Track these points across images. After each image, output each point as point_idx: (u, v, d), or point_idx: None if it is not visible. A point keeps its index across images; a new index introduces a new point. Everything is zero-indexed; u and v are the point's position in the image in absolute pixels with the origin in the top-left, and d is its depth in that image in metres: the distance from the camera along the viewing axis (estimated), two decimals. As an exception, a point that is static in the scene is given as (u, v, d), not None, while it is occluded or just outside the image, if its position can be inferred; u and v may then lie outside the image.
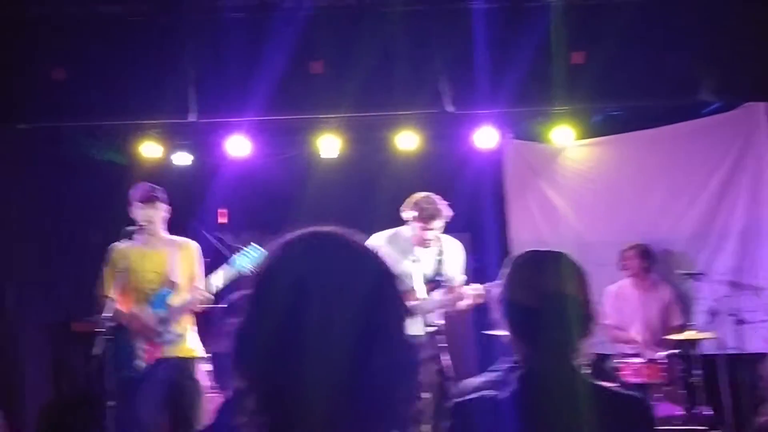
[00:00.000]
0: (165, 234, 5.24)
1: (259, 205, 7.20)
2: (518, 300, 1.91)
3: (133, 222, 5.31)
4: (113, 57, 5.58)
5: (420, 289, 4.84)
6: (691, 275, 6.23)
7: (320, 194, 7.09)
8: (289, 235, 1.19)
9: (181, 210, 6.81)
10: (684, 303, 6.47)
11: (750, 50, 5.48)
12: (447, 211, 4.97)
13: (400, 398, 1.10)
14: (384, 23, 5.53)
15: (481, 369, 6.80)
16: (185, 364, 5.00)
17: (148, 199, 5.14)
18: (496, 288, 4.79)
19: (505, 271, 1.98)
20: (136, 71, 5.59)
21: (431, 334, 4.93)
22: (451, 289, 4.96)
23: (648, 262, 6.41)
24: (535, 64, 5.43)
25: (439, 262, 5.02)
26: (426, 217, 4.87)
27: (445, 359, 4.95)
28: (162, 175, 7.13)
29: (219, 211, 7.20)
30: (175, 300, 5.06)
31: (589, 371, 5.64)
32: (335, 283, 1.09)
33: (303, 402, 1.05)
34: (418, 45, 5.59)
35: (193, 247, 5.27)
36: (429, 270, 4.94)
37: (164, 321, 5.00)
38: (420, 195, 5.01)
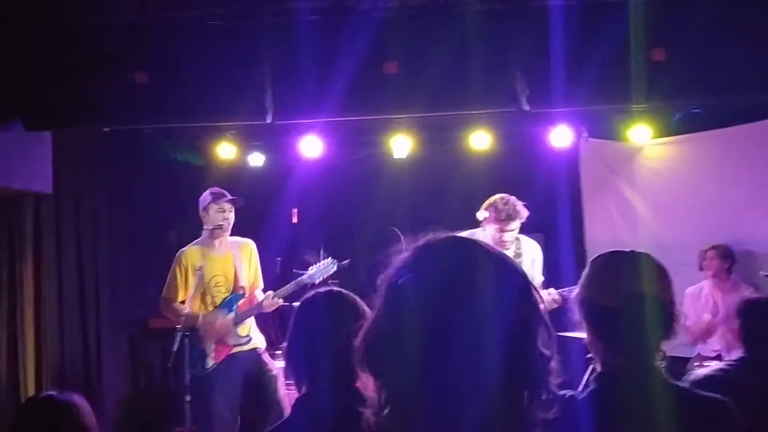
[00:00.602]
0: (229, 237, 5.34)
1: (331, 205, 7.28)
2: (598, 300, 1.88)
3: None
4: (192, 60, 5.71)
5: None
6: (775, 277, 6.04)
7: (392, 194, 7.12)
8: (429, 239, 1.19)
9: (255, 210, 6.95)
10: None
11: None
12: (524, 212, 4.94)
13: (524, 410, 1.08)
14: (459, 22, 5.49)
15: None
16: (257, 356, 5.13)
17: (222, 204, 5.29)
18: (571, 293, 4.73)
19: (585, 271, 1.95)
20: (214, 74, 5.71)
21: None
22: None
23: (728, 262, 6.25)
24: (613, 62, 5.31)
25: (519, 262, 4.99)
26: (503, 218, 4.87)
27: None
28: (237, 176, 7.30)
29: (292, 211, 7.30)
30: (244, 304, 5.18)
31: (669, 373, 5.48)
32: (477, 290, 1.09)
33: (427, 405, 1.04)
34: (494, 43, 5.54)
35: (252, 245, 5.45)
36: None
37: (234, 324, 5.13)
38: (497, 196, 5.02)
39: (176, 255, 5.39)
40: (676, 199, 6.78)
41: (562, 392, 1.88)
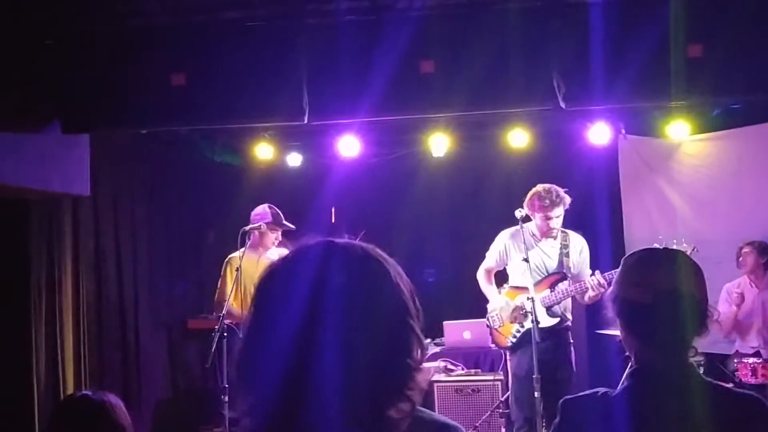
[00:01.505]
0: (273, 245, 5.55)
1: (369, 203, 7.31)
2: (632, 297, 1.89)
3: (247, 222, 5.53)
4: (230, 61, 5.76)
5: (530, 286, 4.82)
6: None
7: (430, 192, 7.14)
8: (301, 244, 1.20)
9: (293, 209, 7.01)
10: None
11: None
12: (566, 198, 5.03)
13: (386, 419, 1.08)
14: (496, 21, 5.48)
15: (592, 368, 6.68)
16: None
17: (276, 225, 5.54)
18: (614, 277, 4.75)
19: (619, 269, 1.97)
20: (251, 75, 5.75)
21: (560, 329, 4.94)
22: (575, 280, 4.98)
23: (765, 258, 6.21)
24: (651, 59, 5.27)
25: (566, 254, 5.03)
26: (547, 205, 4.95)
27: (572, 355, 4.97)
28: (275, 176, 7.36)
29: (330, 210, 7.34)
30: None
31: (704, 370, 5.48)
32: (344, 296, 1.08)
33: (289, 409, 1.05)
34: (531, 41, 5.52)
35: None
36: (553, 263, 4.95)
37: None
38: (538, 187, 5.10)
39: (226, 260, 5.44)
40: (714, 195, 6.73)
41: (596, 390, 1.92)
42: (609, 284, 4.57)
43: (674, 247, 4.99)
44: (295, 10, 5.61)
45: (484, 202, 6.09)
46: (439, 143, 6.77)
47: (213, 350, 5.08)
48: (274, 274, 1.17)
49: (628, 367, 1.96)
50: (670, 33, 5.25)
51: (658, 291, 1.86)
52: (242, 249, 5.49)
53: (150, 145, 6.79)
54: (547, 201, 4.95)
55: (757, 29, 5.33)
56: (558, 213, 4.97)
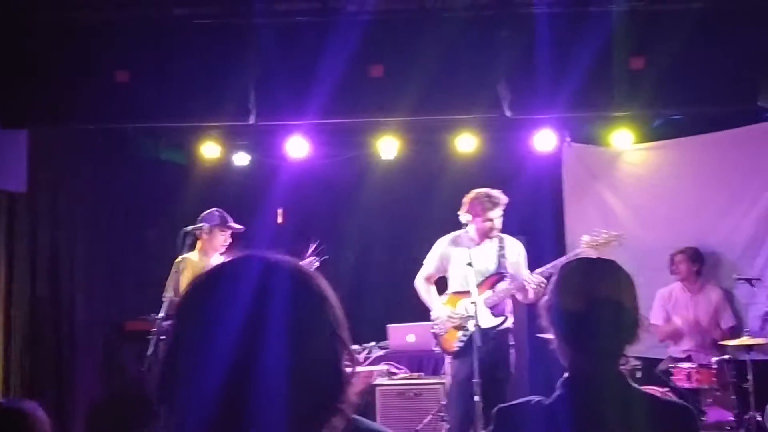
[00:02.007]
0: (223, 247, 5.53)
1: (317, 205, 7.28)
2: (566, 305, 1.93)
3: (190, 224, 5.45)
4: (176, 59, 5.68)
5: (474, 290, 4.89)
6: (747, 280, 6.18)
7: (378, 195, 7.15)
8: (228, 260, 1.19)
9: (239, 209, 6.93)
10: (737, 307, 6.43)
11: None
12: (503, 198, 5.16)
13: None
14: (445, 27, 5.54)
15: (532, 372, 6.78)
16: None
17: (228, 231, 5.50)
18: (555, 268, 4.86)
19: (553, 278, 2.01)
20: (199, 73, 5.68)
21: (502, 331, 5.01)
22: (513, 279, 5.08)
23: (696, 265, 6.40)
24: (595, 69, 5.40)
25: (502, 256, 5.12)
26: (487, 207, 5.10)
27: (511, 357, 5.06)
28: (221, 176, 7.26)
29: (277, 211, 7.29)
30: None
31: (639, 375, 5.61)
32: (268, 311, 1.08)
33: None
34: (479, 49, 5.60)
35: None
36: (492, 264, 5.03)
37: None
38: (474, 191, 5.20)
39: (177, 261, 5.37)
40: (654, 204, 6.89)
41: (529, 398, 1.95)
42: (547, 279, 4.79)
43: (602, 236, 5.16)
44: (245, 9, 5.56)
45: (432, 205, 6.14)
46: (388, 146, 6.79)
47: (150, 353, 5.01)
48: (200, 286, 1.15)
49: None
50: (613, 45, 5.39)
51: (591, 300, 1.90)
52: (185, 250, 5.41)
53: (92, 142, 6.62)
54: (488, 204, 5.09)
55: (698, 44, 5.51)
56: (498, 214, 5.11)
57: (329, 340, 1.13)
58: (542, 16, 5.38)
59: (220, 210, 5.58)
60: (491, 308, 5.06)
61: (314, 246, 5.60)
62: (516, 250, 5.26)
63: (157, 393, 1.12)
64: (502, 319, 5.05)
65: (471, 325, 4.97)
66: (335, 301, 1.17)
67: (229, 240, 5.55)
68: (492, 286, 5.07)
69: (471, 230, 5.23)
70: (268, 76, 5.59)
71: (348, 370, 1.14)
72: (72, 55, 5.69)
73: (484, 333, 4.82)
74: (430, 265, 5.35)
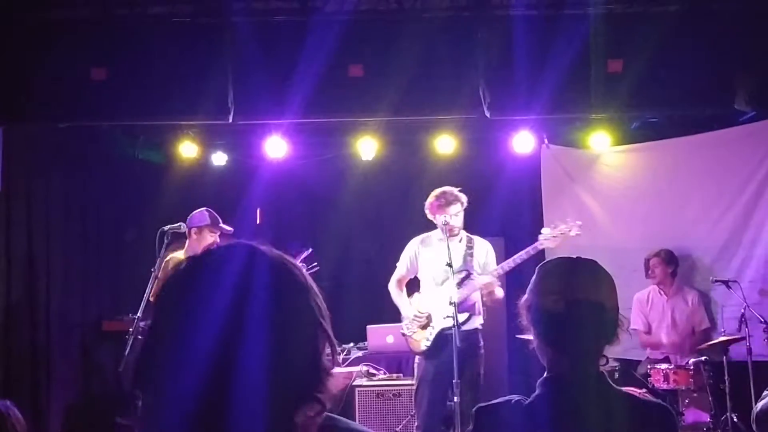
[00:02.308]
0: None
1: (296, 205, 7.26)
2: (546, 305, 1.92)
3: (169, 221, 5.41)
4: (154, 57, 5.64)
5: (451, 287, 4.90)
6: (724, 282, 6.22)
7: (357, 195, 7.13)
8: (209, 250, 1.19)
9: (217, 209, 6.88)
10: (713, 308, 6.49)
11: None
12: (462, 197, 5.17)
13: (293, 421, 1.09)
14: (424, 28, 5.54)
15: (511, 373, 6.78)
16: None
17: (217, 232, 5.46)
18: (509, 266, 4.86)
19: (533, 277, 2.00)
20: (177, 72, 5.65)
21: (471, 331, 5.01)
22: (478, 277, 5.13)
23: (671, 267, 6.43)
24: (573, 72, 5.43)
25: (470, 254, 5.14)
26: (443, 204, 5.11)
27: (480, 358, 5.05)
28: (199, 175, 7.22)
29: (256, 211, 7.26)
30: None
31: (617, 376, 5.66)
32: (250, 301, 1.08)
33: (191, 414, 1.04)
34: (458, 50, 5.61)
35: None
36: (458, 263, 5.04)
37: None
38: (433, 192, 5.24)
39: (166, 260, 5.33)
40: (632, 206, 6.93)
41: (510, 396, 1.94)
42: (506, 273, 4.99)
43: (560, 227, 5.21)
44: (223, 8, 5.53)
45: (411, 206, 6.11)
46: (367, 147, 6.78)
47: (127, 353, 4.99)
48: (181, 274, 1.15)
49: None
50: (590, 47, 5.42)
51: (571, 300, 1.89)
52: (163, 249, 5.36)
53: (68, 140, 6.54)
54: (443, 200, 5.12)
55: (675, 47, 5.55)
56: (455, 211, 5.12)
57: (310, 330, 1.12)
58: (519, 18, 5.41)
59: (210, 210, 5.54)
60: (458, 304, 5.05)
61: (305, 253, 5.59)
62: (484, 250, 5.28)
63: (134, 378, 1.11)
64: (467, 315, 5.04)
65: (437, 324, 5.00)
66: (317, 292, 1.17)
67: (218, 242, 5.53)
68: (458, 283, 5.07)
69: (439, 232, 5.25)
70: (247, 75, 5.56)
71: (328, 361, 1.14)
72: (48, 52, 5.63)
73: (449, 332, 4.80)
74: (401, 267, 5.36)
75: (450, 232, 5.07)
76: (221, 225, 5.53)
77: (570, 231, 5.23)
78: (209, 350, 1.04)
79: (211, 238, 5.47)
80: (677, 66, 5.60)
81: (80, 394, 6.88)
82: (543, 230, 5.33)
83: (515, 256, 5.09)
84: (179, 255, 5.38)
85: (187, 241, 5.48)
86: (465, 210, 5.19)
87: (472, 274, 5.12)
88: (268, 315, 1.07)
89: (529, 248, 5.14)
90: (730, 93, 5.67)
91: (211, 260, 1.15)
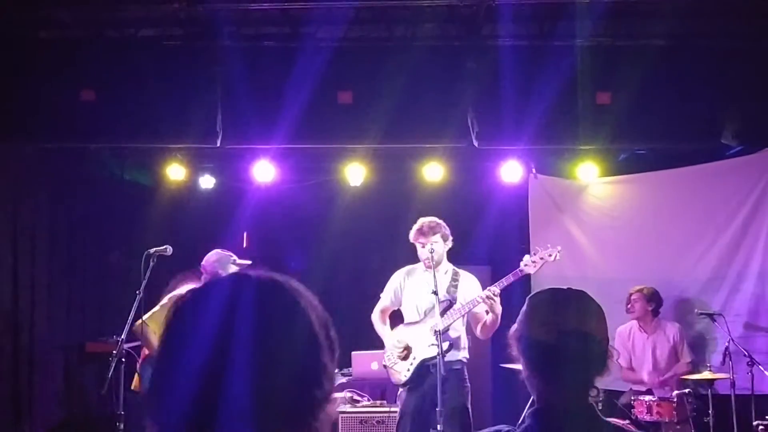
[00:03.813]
0: None
1: (283, 230, 7.22)
2: (536, 336, 1.90)
3: (155, 244, 5.38)
4: (143, 80, 5.66)
5: (438, 319, 4.81)
6: (709, 315, 6.23)
7: (345, 221, 7.12)
8: (218, 277, 1.20)
9: (204, 232, 6.86)
10: (698, 342, 6.48)
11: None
12: (444, 228, 5.06)
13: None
14: (414, 57, 5.58)
15: (495, 402, 6.70)
16: None
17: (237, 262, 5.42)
18: (506, 282, 4.71)
19: (523, 308, 1.99)
20: (166, 95, 5.67)
21: (454, 362, 4.91)
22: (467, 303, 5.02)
23: (652, 305, 6.37)
24: (560, 103, 5.48)
25: (454, 286, 5.08)
26: (424, 232, 5.02)
27: (466, 392, 4.97)
28: (186, 198, 7.20)
29: (244, 234, 7.23)
30: None
31: (601, 407, 5.59)
32: (249, 326, 1.08)
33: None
34: (447, 79, 5.65)
35: None
36: (442, 293, 4.96)
37: None
38: (420, 219, 5.15)
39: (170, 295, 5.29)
40: (618, 237, 6.94)
41: (499, 427, 1.93)
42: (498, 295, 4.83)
43: (540, 254, 5.15)
44: (213, 32, 5.56)
45: (398, 233, 6.08)
46: (355, 173, 6.78)
47: (110, 375, 4.95)
48: (184, 305, 1.15)
49: (528, 406, 1.97)
50: (577, 79, 5.47)
51: (562, 331, 1.88)
52: (148, 272, 5.33)
53: (55, 159, 6.53)
54: (420, 231, 5.04)
55: (662, 81, 5.61)
56: (433, 240, 5.00)
57: (308, 356, 1.11)
58: (508, 49, 5.46)
59: (226, 251, 5.49)
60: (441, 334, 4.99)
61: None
62: (468, 283, 5.15)
63: (145, 401, 1.13)
64: (447, 344, 4.95)
65: (419, 355, 4.94)
66: (320, 318, 1.15)
67: None
68: (441, 313, 4.99)
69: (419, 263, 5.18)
70: (236, 99, 5.58)
71: (324, 386, 1.12)
72: (37, 72, 5.64)
73: (431, 363, 4.75)
74: (385, 298, 5.26)
75: (426, 263, 4.97)
76: (244, 264, 5.46)
77: (550, 256, 5.18)
78: (198, 376, 1.05)
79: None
80: (664, 99, 5.66)
81: (63, 415, 6.80)
82: (525, 257, 5.28)
83: (497, 282, 5.02)
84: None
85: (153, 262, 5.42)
86: (451, 241, 5.10)
87: (454, 303, 5.06)
88: (251, 339, 1.07)
89: (509, 275, 5.07)
90: (717, 127, 5.73)
91: (202, 290, 1.17)
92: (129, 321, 5.15)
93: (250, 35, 5.71)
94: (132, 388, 5.41)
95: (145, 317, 5.17)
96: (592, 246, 6.99)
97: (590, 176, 6.86)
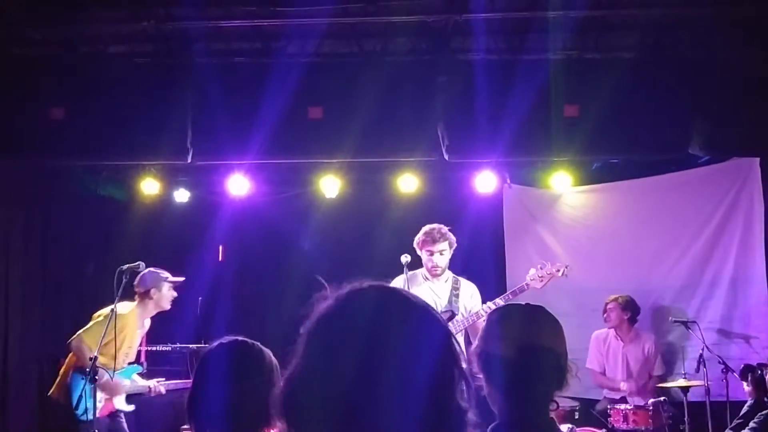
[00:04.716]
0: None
1: (259, 242, 7.21)
2: (496, 352, 1.92)
3: (131, 258, 5.37)
4: (113, 97, 5.63)
5: None
6: (683, 322, 6.28)
7: (320, 234, 7.11)
8: (353, 287, 1.20)
9: (179, 246, 6.84)
10: (670, 351, 6.54)
11: (738, 108, 5.58)
12: (451, 236, 5.16)
13: None
14: (385, 71, 5.58)
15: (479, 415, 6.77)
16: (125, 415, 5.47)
17: (173, 285, 5.46)
18: (513, 295, 4.75)
19: (483, 324, 2.03)
20: (137, 112, 5.64)
21: None
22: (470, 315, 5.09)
23: (628, 314, 6.43)
24: (532, 116, 5.48)
25: (455, 296, 5.13)
26: (429, 240, 5.10)
27: None
28: (161, 212, 7.17)
29: (219, 248, 7.22)
30: (140, 380, 5.52)
31: (577, 416, 5.60)
32: (399, 341, 1.09)
33: None
34: (418, 93, 5.65)
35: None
36: (444, 302, 5.03)
37: (128, 389, 5.43)
38: (426, 226, 5.24)
39: (113, 311, 5.29)
40: (593, 246, 6.97)
41: None
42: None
43: (548, 269, 5.20)
44: (183, 48, 5.53)
45: (374, 244, 6.13)
46: (330, 185, 6.78)
47: (81, 391, 4.96)
48: (328, 318, 1.16)
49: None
50: (549, 92, 5.48)
51: (521, 346, 1.90)
52: (121, 289, 5.33)
53: (29, 175, 6.49)
54: (430, 237, 5.11)
55: (631, 93, 5.63)
56: (441, 248, 5.11)
57: (449, 369, 1.14)
58: (479, 63, 5.47)
59: (159, 269, 5.49)
60: None
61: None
62: (470, 293, 5.26)
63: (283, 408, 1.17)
64: None
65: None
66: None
67: (174, 294, 5.51)
68: None
69: (423, 269, 5.26)
70: (207, 115, 5.57)
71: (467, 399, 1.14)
72: (6, 89, 5.60)
73: None
74: None
75: (433, 271, 5.05)
76: (177, 281, 5.51)
77: (558, 272, 5.22)
78: (351, 395, 1.07)
79: (170, 294, 5.46)
80: (634, 112, 5.69)
81: (36, 430, 6.76)
82: (530, 270, 5.33)
83: (502, 296, 5.07)
84: (123, 310, 5.31)
85: (149, 300, 5.42)
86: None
87: (456, 314, 5.11)
88: (407, 358, 1.09)
89: (515, 288, 5.13)
90: (686, 138, 5.75)
91: (352, 304, 1.18)
92: (102, 336, 5.17)
93: (221, 50, 5.69)
94: (50, 395, 5.46)
95: (80, 331, 5.29)
96: (567, 255, 7.00)
97: (564, 186, 6.89)
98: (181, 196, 7.19)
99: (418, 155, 5.94)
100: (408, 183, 6.74)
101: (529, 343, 1.91)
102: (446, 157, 5.66)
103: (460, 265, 6.62)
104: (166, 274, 5.46)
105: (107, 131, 5.63)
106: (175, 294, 5.47)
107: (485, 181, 6.67)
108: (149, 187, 6.82)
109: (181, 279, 5.54)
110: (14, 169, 6.28)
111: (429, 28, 5.50)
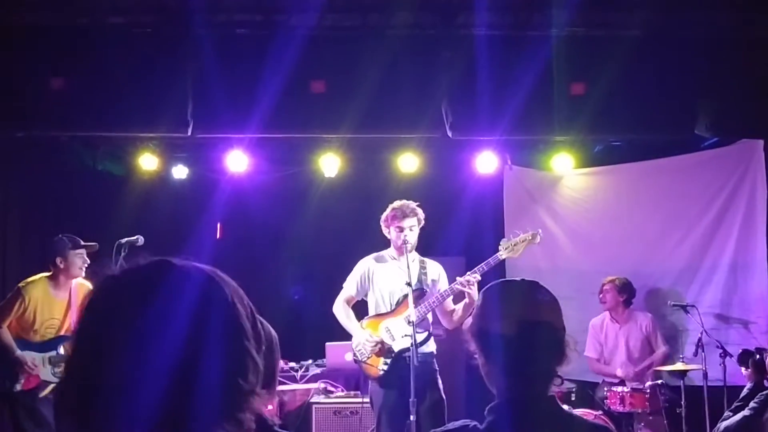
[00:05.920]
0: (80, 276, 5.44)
1: (257, 220, 7.16)
2: (496, 330, 1.88)
3: (127, 234, 5.32)
4: (113, 68, 5.55)
5: (411, 308, 4.76)
6: (682, 306, 6.27)
7: (319, 212, 7.07)
8: (132, 263, 1.15)
9: (177, 222, 6.78)
10: (669, 333, 6.53)
11: (745, 89, 5.54)
12: (419, 212, 5.00)
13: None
14: (388, 46, 5.51)
15: (469, 397, 6.69)
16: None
17: (83, 251, 5.41)
18: (488, 265, 4.66)
19: (477, 302, 1.98)
20: (137, 83, 5.56)
21: (426, 354, 4.87)
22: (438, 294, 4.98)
23: (624, 296, 6.40)
24: (536, 93, 5.44)
25: (423, 274, 5.03)
26: (400, 215, 4.95)
27: (439, 382, 4.94)
28: (159, 188, 7.12)
29: (217, 225, 7.17)
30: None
31: (574, 398, 5.58)
32: (163, 315, 1.05)
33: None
34: (422, 69, 5.59)
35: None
36: (414, 281, 4.90)
37: (54, 363, 5.31)
38: (395, 202, 5.07)
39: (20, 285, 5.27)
40: (593, 229, 6.96)
41: (465, 422, 1.90)
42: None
43: (519, 236, 5.09)
44: (184, 19, 5.46)
45: (373, 224, 6.05)
46: (330, 163, 6.74)
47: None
48: (103, 292, 1.12)
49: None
50: (553, 69, 5.43)
51: (521, 322, 1.87)
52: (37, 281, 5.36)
53: (26, 150, 6.44)
54: (400, 212, 4.96)
55: (637, 72, 5.59)
56: (410, 224, 4.95)
57: (233, 346, 1.09)
58: (483, 38, 5.41)
59: (67, 235, 5.45)
60: (416, 324, 4.94)
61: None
62: (436, 272, 5.13)
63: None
64: (426, 334, 4.92)
65: (395, 347, 4.89)
66: (246, 308, 1.14)
67: (87, 261, 5.43)
68: (414, 302, 4.93)
69: (391, 249, 5.11)
70: (207, 88, 5.48)
71: (252, 379, 1.10)
72: (6, 59, 5.53)
73: (407, 355, 4.68)
74: (350, 287, 5.13)
75: (403, 248, 4.88)
76: (86, 248, 5.43)
77: (532, 237, 5.10)
78: (124, 365, 1.03)
79: (79, 260, 5.39)
80: (639, 91, 5.65)
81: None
82: (501, 242, 5.19)
83: (477, 268, 4.93)
84: (31, 283, 5.29)
85: (57, 270, 5.36)
86: (422, 229, 5.05)
87: (427, 292, 5.02)
88: (187, 332, 1.05)
89: (489, 260, 4.99)
90: (692, 119, 5.73)
91: (131, 278, 1.12)
92: (8, 309, 5.20)
93: (221, 23, 5.62)
94: None
95: None
96: (567, 237, 7.00)
97: (565, 168, 6.87)
98: (180, 172, 7.13)
99: (420, 132, 5.90)
100: (408, 162, 6.70)
101: (529, 319, 1.88)
102: (450, 134, 5.61)
103: (459, 246, 6.61)
104: (76, 240, 5.39)
105: (107, 102, 5.57)
106: (87, 261, 5.36)
107: (486, 162, 6.64)
108: (148, 162, 6.77)
109: (93, 245, 5.44)
110: (12, 141, 6.22)
111: (433, 2, 5.44)
